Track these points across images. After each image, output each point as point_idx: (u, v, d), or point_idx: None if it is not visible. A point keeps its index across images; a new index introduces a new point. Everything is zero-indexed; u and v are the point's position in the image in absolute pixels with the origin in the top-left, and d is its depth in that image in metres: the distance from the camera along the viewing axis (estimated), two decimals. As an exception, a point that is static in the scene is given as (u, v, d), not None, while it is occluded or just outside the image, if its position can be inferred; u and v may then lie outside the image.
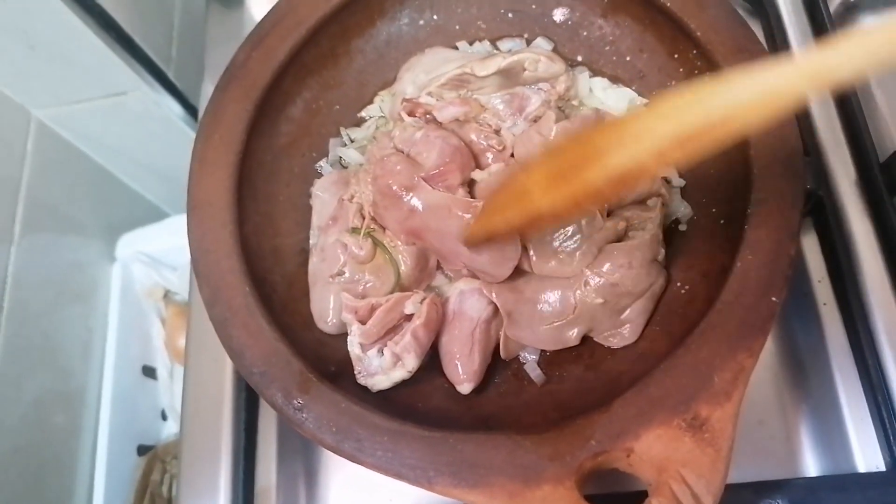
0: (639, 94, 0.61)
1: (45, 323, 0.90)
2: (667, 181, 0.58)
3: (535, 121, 0.60)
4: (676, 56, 0.58)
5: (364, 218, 0.57)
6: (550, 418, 0.49)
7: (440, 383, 0.53)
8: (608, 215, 0.54)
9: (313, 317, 0.56)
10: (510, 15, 0.66)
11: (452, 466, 0.43)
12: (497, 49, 0.65)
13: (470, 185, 0.56)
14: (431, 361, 0.53)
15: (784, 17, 0.69)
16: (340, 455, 0.45)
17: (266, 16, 0.60)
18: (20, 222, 0.85)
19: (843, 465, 0.55)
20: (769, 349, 0.59)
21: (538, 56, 0.59)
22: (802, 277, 0.61)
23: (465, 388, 0.52)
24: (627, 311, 0.52)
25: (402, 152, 0.57)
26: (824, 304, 0.60)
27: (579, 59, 0.64)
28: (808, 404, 0.57)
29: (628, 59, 0.62)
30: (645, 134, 0.36)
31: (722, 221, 0.54)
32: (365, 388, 0.51)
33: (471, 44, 0.66)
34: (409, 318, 0.52)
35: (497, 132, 0.60)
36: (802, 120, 0.63)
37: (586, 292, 0.52)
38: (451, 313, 0.54)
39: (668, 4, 0.56)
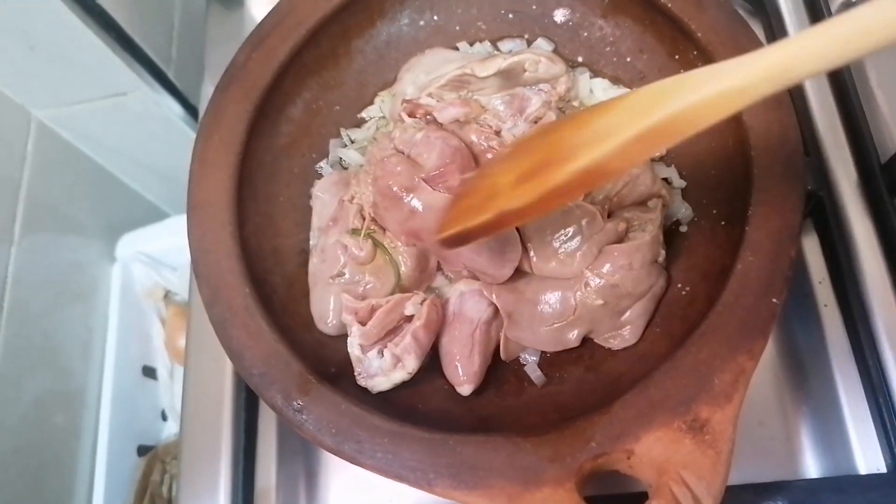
0: (639, 95, 0.61)
1: (46, 323, 0.90)
2: (667, 182, 0.57)
3: (535, 122, 0.60)
4: (677, 57, 0.58)
5: (364, 219, 0.57)
6: (550, 420, 0.49)
7: (440, 384, 0.53)
8: (609, 216, 0.54)
9: (313, 318, 0.56)
10: (510, 16, 0.66)
11: (452, 468, 0.43)
12: (497, 50, 0.65)
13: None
14: (431, 363, 0.53)
15: (785, 17, 0.69)
16: (340, 457, 0.45)
17: (266, 16, 0.60)
18: (20, 222, 0.85)
19: (844, 467, 0.55)
20: (770, 350, 0.59)
21: (539, 57, 0.58)
22: (803, 278, 0.61)
23: (465, 389, 0.52)
24: (628, 313, 0.52)
25: (403, 153, 0.57)
26: (825, 305, 0.60)
27: (580, 59, 0.64)
28: (808, 405, 0.57)
29: (629, 59, 0.62)
30: (608, 132, 0.37)
31: (722, 222, 0.54)
32: (365, 390, 0.51)
33: (471, 44, 0.66)
34: (409, 319, 0.52)
35: (497, 133, 0.60)
36: (803, 120, 0.63)
37: (587, 293, 0.52)
38: (452, 314, 0.54)
39: (669, 5, 0.56)
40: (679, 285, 0.54)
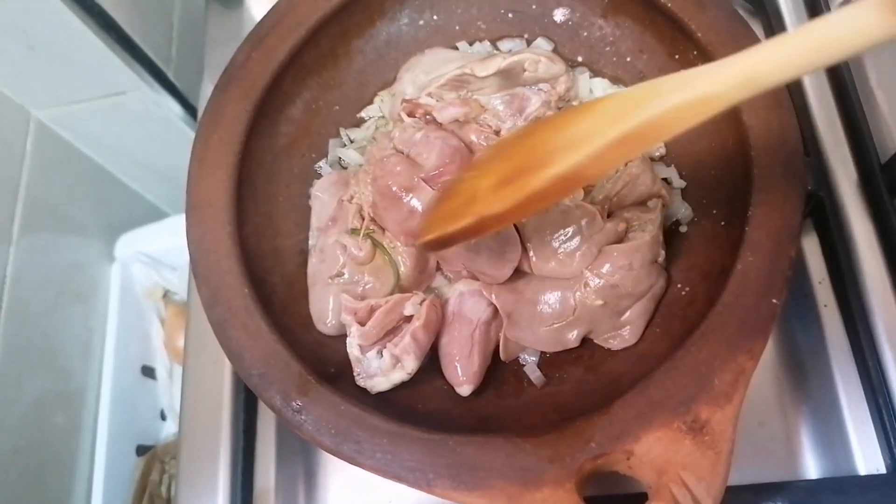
0: (639, 95, 0.61)
1: (45, 323, 0.89)
2: (667, 182, 0.57)
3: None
4: (677, 57, 0.58)
5: (363, 219, 0.56)
6: (550, 420, 0.48)
7: (440, 385, 0.53)
8: (608, 216, 0.54)
9: (312, 318, 0.55)
10: (510, 15, 0.65)
11: (452, 469, 0.43)
12: (497, 49, 0.65)
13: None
14: (431, 363, 0.53)
15: (785, 17, 0.69)
16: (339, 457, 0.45)
17: (266, 16, 0.60)
18: (19, 222, 0.85)
19: (844, 468, 0.55)
20: (769, 350, 0.59)
21: (538, 57, 0.58)
22: (803, 278, 0.61)
23: (464, 389, 0.52)
24: (627, 313, 0.52)
25: (402, 153, 0.57)
26: (825, 305, 0.60)
27: (580, 59, 0.64)
28: (808, 406, 0.57)
29: (628, 59, 0.62)
30: (584, 137, 0.37)
31: (722, 223, 0.53)
32: (364, 390, 0.51)
33: (471, 44, 0.66)
34: (408, 319, 0.52)
35: (497, 133, 0.59)
36: (803, 120, 0.63)
37: (586, 294, 0.52)
38: (451, 315, 0.54)
39: (669, 5, 0.55)
40: (679, 285, 0.54)
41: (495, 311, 0.53)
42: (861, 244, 0.59)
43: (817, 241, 0.62)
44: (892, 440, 0.53)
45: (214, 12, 0.80)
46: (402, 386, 0.51)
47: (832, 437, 0.56)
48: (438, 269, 0.57)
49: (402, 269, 0.55)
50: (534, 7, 0.65)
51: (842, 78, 0.64)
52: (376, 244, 0.55)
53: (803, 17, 0.69)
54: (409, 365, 0.50)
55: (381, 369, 0.50)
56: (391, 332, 0.52)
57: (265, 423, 0.62)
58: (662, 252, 0.54)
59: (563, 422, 0.45)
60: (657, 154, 0.59)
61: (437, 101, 0.60)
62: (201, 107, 0.75)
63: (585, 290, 0.52)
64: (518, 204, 0.40)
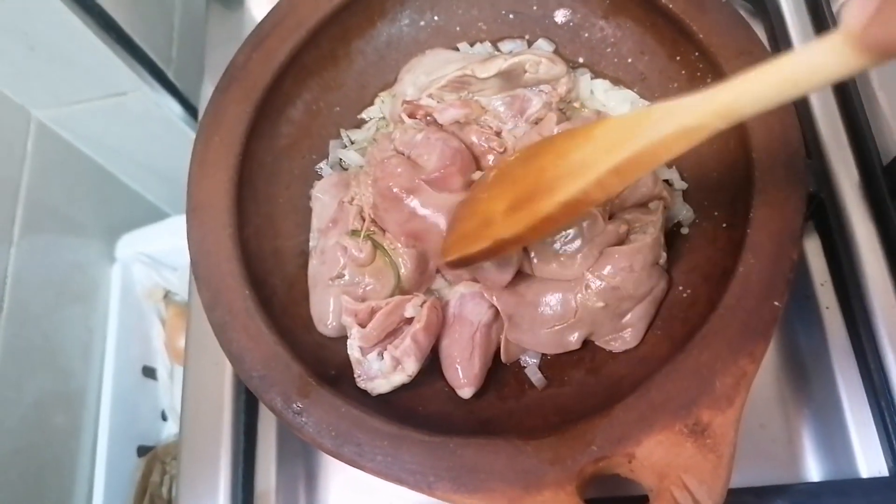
0: (640, 97, 0.61)
1: (46, 324, 0.89)
2: (669, 184, 0.57)
3: (536, 122, 0.60)
4: (678, 58, 0.58)
5: (364, 220, 0.56)
6: (551, 422, 0.48)
7: (440, 387, 0.53)
8: (609, 218, 0.54)
9: (313, 320, 0.55)
10: (511, 16, 0.65)
11: (452, 471, 0.43)
12: (498, 50, 0.65)
13: (471, 186, 0.56)
14: (432, 365, 0.53)
15: (786, 18, 0.69)
16: (340, 459, 0.45)
17: (266, 17, 0.60)
18: (20, 223, 0.85)
19: (846, 470, 0.54)
20: (771, 352, 0.59)
21: (539, 58, 0.58)
22: (805, 281, 0.61)
23: (465, 392, 0.51)
24: (629, 315, 0.52)
25: (403, 154, 0.57)
26: (827, 307, 0.60)
27: (581, 60, 0.64)
28: (810, 408, 0.57)
29: (630, 61, 0.62)
30: (585, 165, 0.41)
31: (724, 224, 0.53)
32: (365, 392, 0.51)
33: (472, 45, 0.66)
34: (409, 321, 0.52)
35: (498, 134, 0.59)
36: (805, 122, 0.63)
37: (587, 296, 0.51)
38: (452, 317, 0.53)
39: (670, 6, 0.55)
40: (680, 287, 0.54)
41: (496, 313, 0.53)
42: (863, 246, 0.59)
43: (819, 243, 0.62)
44: (894, 443, 0.53)
45: (215, 13, 0.80)
46: (403, 388, 0.51)
47: (834, 439, 0.56)
48: (438, 270, 0.57)
49: (402, 270, 0.54)
50: (535, 8, 0.65)
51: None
52: (377, 245, 0.55)
53: (805, 17, 0.69)
54: (410, 367, 0.50)
55: (382, 371, 0.50)
56: (392, 334, 0.52)
57: (266, 425, 0.62)
58: (664, 254, 0.54)
59: (564, 424, 0.45)
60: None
61: (438, 102, 0.60)
62: (202, 107, 0.75)
63: (587, 292, 0.51)
64: (530, 228, 0.43)
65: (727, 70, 0.52)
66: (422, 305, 0.52)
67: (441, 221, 0.53)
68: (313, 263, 0.57)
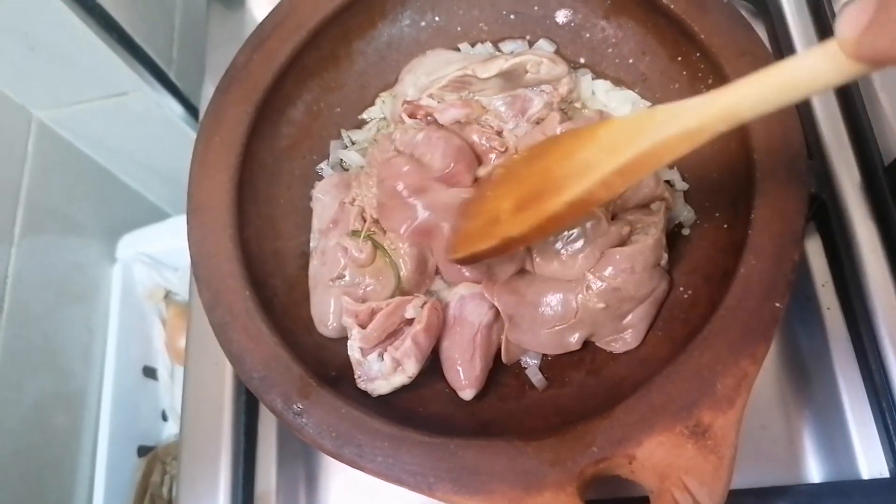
0: (641, 97, 0.61)
1: (46, 324, 0.89)
2: (670, 185, 0.57)
3: (537, 122, 0.60)
4: (679, 59, 0.58)
5: (365, 221, 0.56)
6: (552, 424, 0.48)
7: (441, 388, 0.53)
8: (612, 219, 0.54)
9: (314, 321, 0.55)
10: (512, 17, 0.65)
11: (453, 473, 0.43)
12: (499, 51, 0.65)
13: (477, 183, 0.56)
14: (432, 366, 0.53)
15: (788, 19, 0.69)
16: (340, 461, 0.45)
17: (267, 17, 0.60)
18: (20, 223, 0.85)
19: (847, 472, 0.54)
20: (772, 353, 0.59)
21: (540, 58, 0.58)
22: (806, 281, 0.61)
23: (467, 394, 0.51)
24: (630, 316, 0.52)
25: (404, 154, 0.57)
26: (828, 308, 0.60)
27: (582, 61, 0.64)
28: (811, 409, 0.57)
29: (631, 61, 0.62)
30: (590, 166, 0.41)
31: (725, 225, 0.53)
32: (365, 393, 0.51)
33: (473, 45, 0.66)
34: (409, 322, 0.52)
35: (499, 134, 0.59)
36: (806, 123, 0.63)
37: (588, 296, 0.51)
38: (452, 318, 0.53)
39: (671, 7, 0.55)
40: (681, 288, 0.54)
41: (496, 313, 0.53)
42: (864, 247, 0.59)
43: (820, 244, 0.62)
44: (895, 444, 0.53)
45: (216, 13, 0.80)
46: (403, 389, 0.50)
47: (835, 440, 0.56)
48: (438, 272, 0.57)
49: (402, 271, 0.54)
50: (536, 8, 0.64)
51: (845, 80, 0.64)
52: (377, 246, 0.55)
53: (806, 18, 0.69)
54: (410, 368, 0.50)
55: (382, 372, 0.50)
56: (392, 335, 0.52)
57: (266, 425, 0.62)
58: (665, 255, 0.53)
59: (564, 425, 0.44)
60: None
61: (439, 102, 0.60)
62: (203, 107, 0.75)
63: (587, 292, 0.51)
64: (537, 227, 0.44)
65: (728, 71, 0.52)
66: (422, 306, 0.52)
67: (450, 218, 0.54)
68: (314, 264, 0.57)
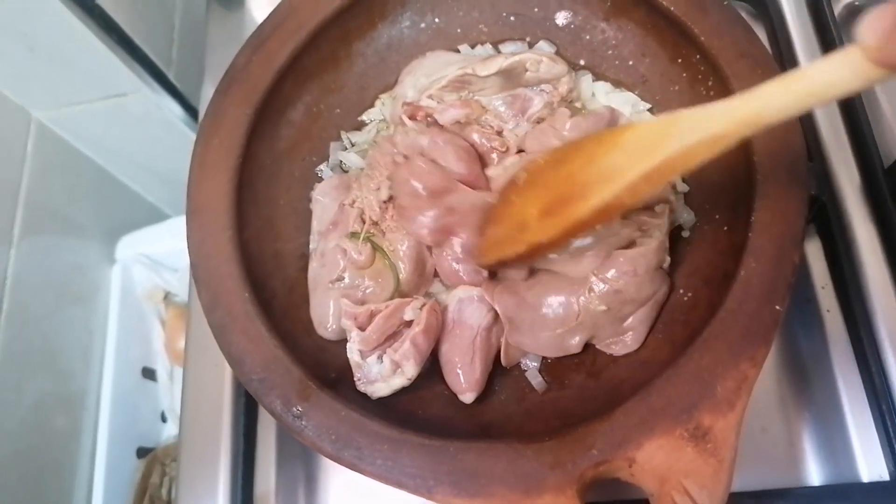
0: (641, 99, 0.61)
1: (45, 325, 0.89)
2: (671, 186, 0.57)
3: (538, 122, 0.59)
4: (679, 61, 0.58)
5: (364, 223, 0.56)
6: (552, 426, 0.48)
7: (440, 390, 0.53)
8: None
9: (313, 323, 0.55)
10: (512, 18, 0.65)
11: (453, 475, 0.43)
12: (499, 52, 0.65)
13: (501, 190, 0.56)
14: (431, 368, 0.53)
15: (788, 20, 0.69)
16: (340, 463, 0.45)
17: (267, 18, 0.60)
18: (20, 224, 0.85)
19: (847, 474, 0.54)
20: (772, 356, 0.59)
21: (540, 57, 0.58)
22: (806, 284, 0.61)
23: (467, 397, 0.51)
24: (630, 319, 0.52)
25: (407, 158, 0.57)
26: (828, 310, 0.60)
27: (582, 63, 0.64)
28: (811, 412, 0.57)
29: (631, 63, 0.62)
30: (616, 172, 0.42)
31: (725, 228, 0.53)
32: (365, 396, 0.51)
33: (472, 47, 0.66)
34: (408, 324, 0.51)
35: (499, 133, 0.59)
36: (807, 125, 0.63)
37: (590, 299, 0.51)
38: (451, 321, 0.53)
39: (671, 9, 0.55)
40: (681, 291, 0.54)
41: (495, 316, 0.53)
42: (864, 249, 0.59)
43: (820, 246, 0.62)
44: (895, 447, 0.53)
45: (215, 14, 0.80)
46: (403, 391, 0.50)
47: (835, 443, 0.56)
48: (436, 274, 0.57)
49: (402, 273, 0.54)
50: (536, 10, 0.64)
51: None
52: (376, 248, 0.55)
53: (806, 19, 0.69)
54: (410, 370, 0.49)
55: (382, 375, 0.50)
56: (391, 337, 0.51)
57: (266, 427, 0.62)
58: (668, 258, 0.53)
59: (564, 428, 0.44)
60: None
61: (438, 102, 0.60)
62: (202, 108, 0.75)
63: (589, 295, 0.51)
64: (565, 232, 0.45)
65: (728, 73, 0.52)
66: (421, 308, 0.52)
67: (476, 213, 0.54)
68: (313, 266, 0.57)
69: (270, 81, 0.58)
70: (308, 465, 0.60)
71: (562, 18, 0.64)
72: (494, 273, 0.55)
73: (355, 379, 0.51)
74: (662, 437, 0.42)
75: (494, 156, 0.58)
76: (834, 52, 0.32)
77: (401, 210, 0.55)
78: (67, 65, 0.82)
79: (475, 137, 0.58)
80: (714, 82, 0.55)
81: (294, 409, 0.47)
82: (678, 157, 0.39)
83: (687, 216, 0.56)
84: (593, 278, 0.51)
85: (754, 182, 0.49)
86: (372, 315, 0.51)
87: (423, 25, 0.66)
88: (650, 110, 0.61)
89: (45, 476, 0.86)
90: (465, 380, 0.51)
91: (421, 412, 0.51)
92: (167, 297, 1.08)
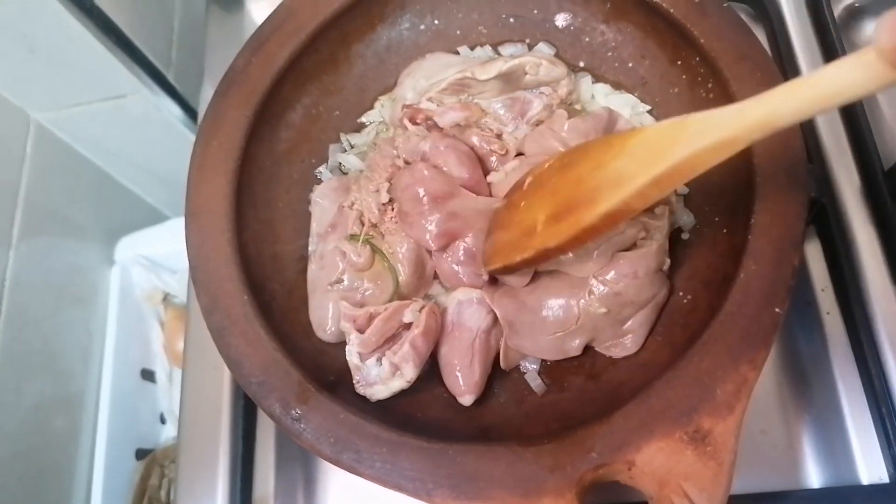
0: (641, 101, 0.61)
1: (45, 327, 0.89)
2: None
3: (537, 124, 0.59)
4: (679, 63, 0.58)
5: (363, 225, 0.56)
6: (551, 429, 0.48)
7: (440, 393, 0.53)
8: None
9: (312, 325, 0.55)
10: (512, 20, 0.65)
11: (452, 479, 0.43)
12: (498, 54, 0.65)
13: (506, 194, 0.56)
14: (430, 371, 0.53)
15: (788, 22, 0.69)
16: (339, 466, 0.45)
17: (266, 20, 0.60)
18: (19, 226, 0.85)
19: (847, 477, 0.54)
20: (771, 358, 0.59)
21: (539, 60, 0.58)
22: (805, 286, 0.61)
23: (466, 400, 0.51)
24: (630, 321, 0.52)
25: (407, 162, 0.57)
26: (827, 313, 0.60)
27: (581, 64, 0.64)
28: (810, 414, 0.57)
29: (630, 65, 0.62)
30: (624, 177, 0.41)
31: (725, 230, 0.53)
32: (364, 398, 0.51)
33: (472, 49, 0.66)
34: (407, 326, 0.51)
35: (499, 136, 0.59)
36: (806, 127, 0.63)
37: (590, 301, 0.51)
38: (450, 324, 0.53)
39: (671, 11, 0.55)
40: (681, 293, 0.54)
41: (494, 318, 0.53)
42: (864, 251, 0.59)
43: (820, 249, 0.62)
44: (895, 449, 0.53)
45: (215, 16, 0.80)
46: (402, 394, 0.50)
47: (835, 445, 0.55)
48: (436, 276, 0.57)
49: (401, 276, 0.54)
50: (535, 12, 0.64)
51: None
52: (375, 250, 0.55)
53: (805, 21, 0.69)
54: (409, 373, 0.49)
55: (381, 377, 0.50)
56: (390, 339, 0.51)
57: (265, 429, 0.62)
58: (668, 260, 0.53)
59: (563, 431, 0.44)
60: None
61: (438, 105, 0.60)
62: (201, 110, 0.75)
63: (589, 297, 0.51)
64: (573, 237, 0.44)
65: (728, 75, 0.52)
66: (420, 310, 0.51)
67: (483, 219, 0.54)
68: (312, 268, 0.57)
69: (270, 83, 0.58)
70: (307, 468, 0.60)
71: (561, 20, 0.64)
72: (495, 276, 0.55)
73: (354, 381, 0.51)
74: (662, 439, 0.42)
75: (494, 159, 0.58)
76: (848, 55, 0.32)
77: (403, 216, 0.55)
78: (67, 66, 0.82)
79: (475, 140, 0.58)
80: (714, 84, 0.54)
81: (293, 411, 0.47)
82: (688, 162, 0.39)
83: (686, 218, 0.56)
84: (593, 281, 0.51)
85: (754, 184, 0.49)
86: (371, 317, 0.51)
87: (422, 27, 0.66)
88: (650, 112, 0.61)
89: (44, 477, 0.86)
90: (464, 382, 0.51)
91: (420, 415, 0.51)
92: (166, 298, 1.08)
